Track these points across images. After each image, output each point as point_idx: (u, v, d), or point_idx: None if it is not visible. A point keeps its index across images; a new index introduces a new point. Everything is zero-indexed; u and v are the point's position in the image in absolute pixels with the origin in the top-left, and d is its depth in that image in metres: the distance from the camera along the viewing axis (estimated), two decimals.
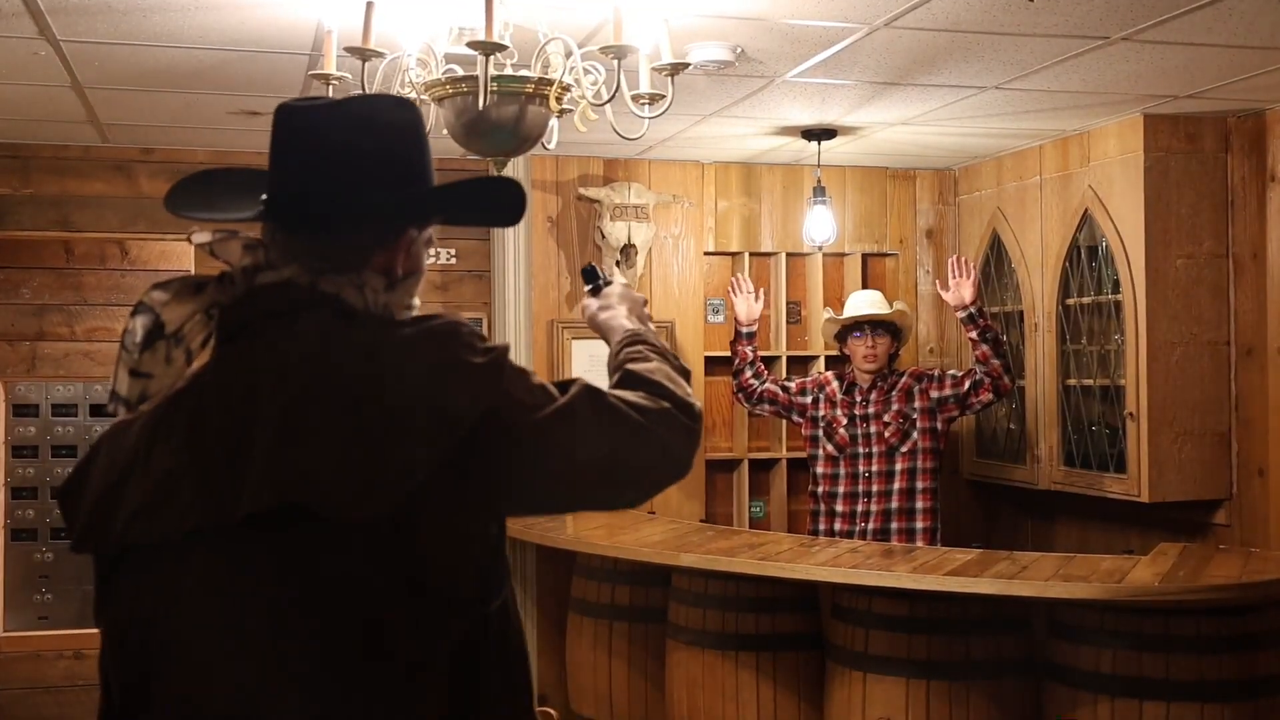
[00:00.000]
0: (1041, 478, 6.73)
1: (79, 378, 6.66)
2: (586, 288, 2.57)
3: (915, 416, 6.29)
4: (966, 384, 6.22)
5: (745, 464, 7.35)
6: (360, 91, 3.99)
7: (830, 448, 6.42)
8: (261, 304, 1.92)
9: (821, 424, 6.46)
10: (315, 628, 1.77)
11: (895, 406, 6.32)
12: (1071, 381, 6.56)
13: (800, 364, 7.44)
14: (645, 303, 2.53)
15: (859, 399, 6.39)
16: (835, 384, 6.51)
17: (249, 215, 1.98)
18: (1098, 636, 4.65)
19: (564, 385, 1.98)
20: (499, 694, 1.92)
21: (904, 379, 6.39)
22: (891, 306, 6.57)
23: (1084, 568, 4.86)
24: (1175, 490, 6.03)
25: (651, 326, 2.45)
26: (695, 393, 6.74)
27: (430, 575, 1.80)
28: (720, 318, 7.34)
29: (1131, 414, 6.05)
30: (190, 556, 1.81)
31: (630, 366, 2.18)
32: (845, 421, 6.39)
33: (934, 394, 6.29)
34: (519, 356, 6.80)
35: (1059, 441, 6.60)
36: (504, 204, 2.10)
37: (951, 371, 6.43)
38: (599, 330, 2.48)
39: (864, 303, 6.51)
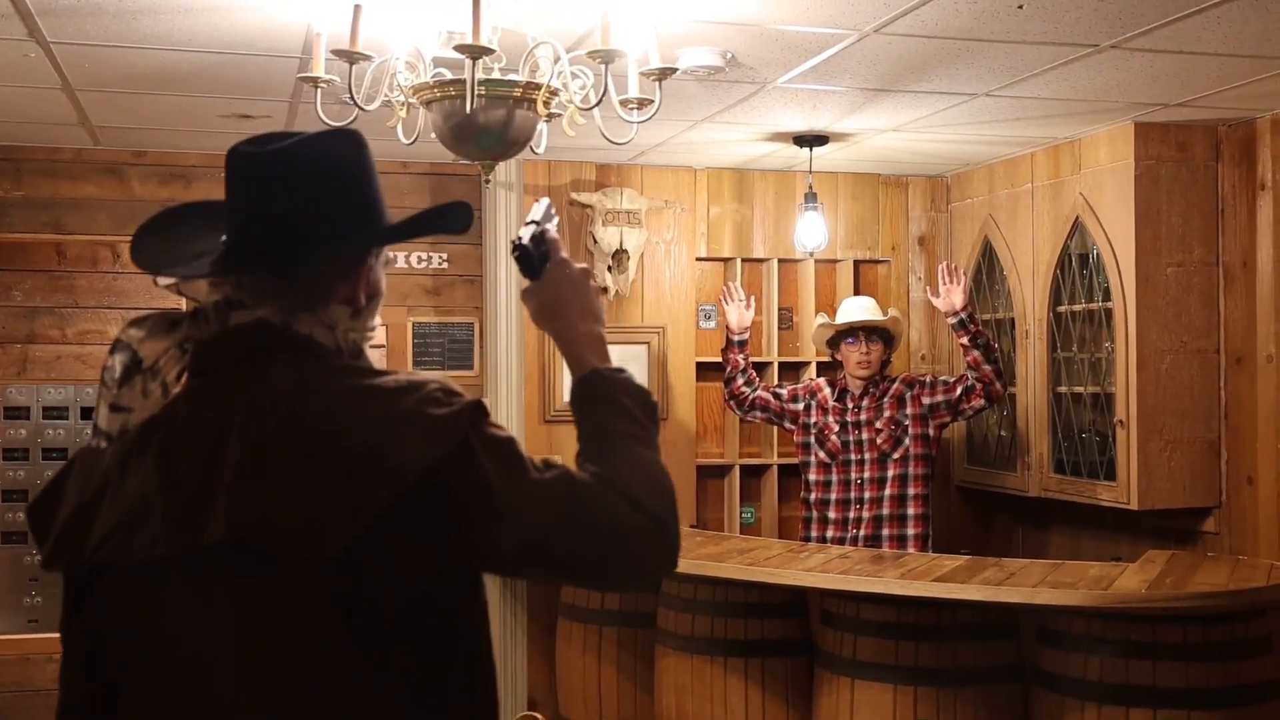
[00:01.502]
0: (1032, 485, 6.72)
1: (70, 380, 6.63)
2: (522, 270, 2.21)
3: (907, 423, 6.28)
4: (958, 390, 6.21)
5: (736, 469, 7.34)
6: (346, 96, 3.99)
7: (822, 455, 6.41)
8: (238, 344, 1.98)
9: (813, 431, 6.45)
10: (273, 655, 1.83)
11: (887, 413, 6.31)
12: (1062, 389, 6.55)
13: (792, 370, 7.44)
14: (589, 278, 2.23)
15: (851, 405, 6.39)
16: (827, 390, 6.51)
17: (211, 269, 2.01)
18: (1085, 643, 4.65)
19: (549, 465, 1.94)
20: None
21: (895, 385, 6.38)
22: (886, 314, 6.56)
23: (1072, 575, 4.85)
24: (1165, 498, 6.02)
25: (603, 322, 2.21)
26: (687, 400, 6.70)
27: (378, 615, 1.84)
28: (712, 323, 7.33)
29: (1121, 421, 6.04)
30: (162, 579, 1.87)
31: (603, 464, 1.99)
32: (837, 428, 6.38)
33: (926, 400, 6.28)
34: (510, 360, 6.82)
35: (1049, 449, 6.60)
36: (451, 218, 2.09)
37: (943, 378, 6.42)
38: (548, 334, 2.22)
39: (858, 309, 6.50)
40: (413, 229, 2.13)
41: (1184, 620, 4.57)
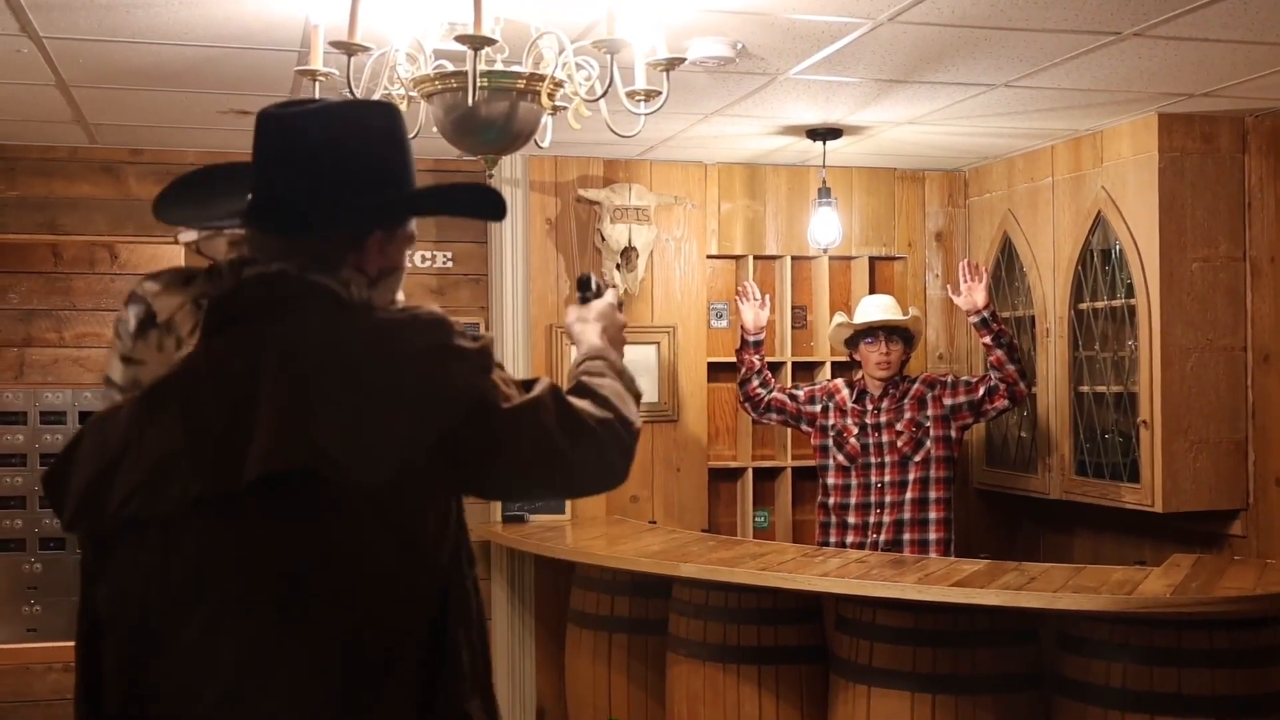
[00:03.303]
0: (1053, 487, 6.61)
1: (68, 385, 6.58)
2: (578, 296, 2.73)
3: (928, 424, 6.16)
4: (981, 390, 6.09)
5: (749, 473, 7.24)
6: (345, 90, 3.91)
7: (841, 458, 6.28)
8: (255, 294, 2.02)
9: (831, 433, 6.33)
10: (318, 583, 1.92)
11: (908, 415, 6.18)
12: (1084, 388, 6.44)
13: (806, 370, 7.33)
14: (624, 325, 2.67)
15: (870, 407, 6.26)
16: (845, 391, 6.38)
17: (232, 223, 2.11)
18: (1108, 649, 4.58)
19: (528, 383, 2.17)
20: (469, 670, 2.10)
21: (916, 385, 6.26)
22: (906, 313, 6.44)
23: (1094, 579, 4.79)
24: (1190, 500, 5.91)
25: (622, 352, 2.59)
26: (698, 402, 6.68)
27: (418, 540, 1.99)
28: (724, 322, 7.23)
29: (1145, 422, 5.93)
30: (191, 526, 1.93)
31: (585, 379, 2.34)
32: (856, 430, 6.26)
33: (947, 401, 6.15)
34: (517, 361, 6.73)
35: (1071, 450, 6.48)
36: (483, 202, 2.27)
37: (965, 378, 6.30)
38: (572, 339, 2.63)
39: (877, 308, 6.38)
40: (428, 205, 2.27)
41: (1210, 626, 4.49)
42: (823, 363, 7.30)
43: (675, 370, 7.02)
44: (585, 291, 2.72)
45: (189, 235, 2.19)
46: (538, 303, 6.82)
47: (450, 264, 6.93)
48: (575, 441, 2.13)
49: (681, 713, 5.49)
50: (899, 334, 6.27)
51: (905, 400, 6.23)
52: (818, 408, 6.40)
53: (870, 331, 6.27)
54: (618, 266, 6.87)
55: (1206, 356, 5.92)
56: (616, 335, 2.61)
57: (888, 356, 6.23)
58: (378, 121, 2.14)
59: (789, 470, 7.26)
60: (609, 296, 2.71)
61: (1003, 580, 4.79)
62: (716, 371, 7.17)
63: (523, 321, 6.78)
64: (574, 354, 2.55)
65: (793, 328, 7.33)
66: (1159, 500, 5.88)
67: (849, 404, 6.33)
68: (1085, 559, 6.57)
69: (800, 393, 6.49)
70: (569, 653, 6.20)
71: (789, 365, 7.25)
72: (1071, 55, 4.84)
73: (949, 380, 6.26)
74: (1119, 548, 6.58)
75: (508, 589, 6.72)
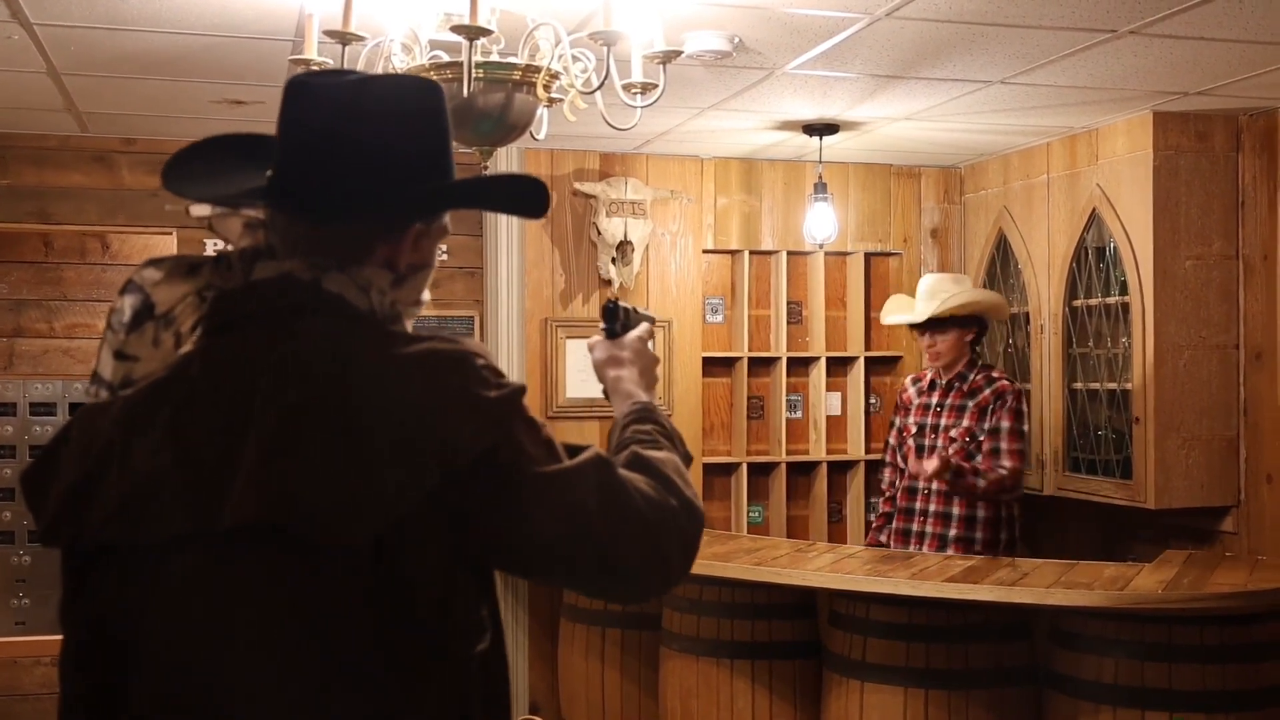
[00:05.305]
0: (1047, 484, 6.60)
1: (58, 376, 6.54)
2: (601, 326, 2.39)
3: (982, 438, 5.82)
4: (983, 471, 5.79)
5: (743, 468, 7.21)
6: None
7: (898, 458, 6.11)
8: (261, 299, 1.83)
9: (895, 433, 6.21)
10: (295, 648, 1.70)
11: (966, 423, 5.85)
12: (1077, 385, 6.43)
13: (800, 365, 7.32)
14: (658, 362, 2.39)
15: (935, 401, 5.98)
16: (910, 390, 6.19)
17: (250, 202, 1.90)
18: (1100, 645, 4.59)
19: (575, 450, 1.87)
20: None
21: (986, 392, 5.88)
22: (958, 296, 5.98)
23: (1086, 575, 4.81)
24: (1182, 496, 5.91)
25: (654, 391, 2.33)
26: (693, 396, 6.61)
27: (411, 608, 1.73)
28: (719, 317, 7.21)
29: (1138, 418, 5.92)
30: (172, 560, 1.73)
31: (641, 451, 1.99)
32: (914, 431, 6.02)
33: (987, 425, 5.82)
34: (511, 355, 6.71)
35: (1064, 446, 6.48)
36: (525, 197, 2.00)
37: (1003, 446, 5.80)
38: (603, 383, 2.34)
39: (923, 296, 6.05)
40: (474, 197, 2.03)
41: (1201, 621, 4.52)
42: (817, 358, 7.29)
43: (670, 365, 7.00)
44: (612, 323, 2.36)
45: (202, 210, 1.94)
46: (533, 296, 6.80)
47: (445, 257, 6.90)
48: (619, 526, 1.82)
49: (675, 708, 5.48)
50: (950, 320, 5.93)
51: (970, 403, 5.89)
52: (897, 423, 6.23)
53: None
54: (613, 260, 6.85)
55: (1199, 354, 5.92)
56: (652, 378, 2.33)
57: (934, 348, 5.95)
58: (423, 100, 1.90)
59: (783, 465, 7.24)
60: (641, 329, 2.38)
61: (995, 576, 4.81)
62: (711, 366, 7.15)
63: (517, 315, 6.76)
64: (615, 408, 2.25)
65: (788, 323, 7.31)
66: (1151, 497, 5.88)
67: (915, 400, 6.10)
68: (1078, 555, 6.54)
69: (891, 440, 6.27)
70: (562, 648, 6.19)
71: (784, 360, 7.23)
72: (1067, 53, 4.83)
73: (1010, 405, 5.81)
74: (1111, 544, 6.57)
75: (501, 584, 6.68)
